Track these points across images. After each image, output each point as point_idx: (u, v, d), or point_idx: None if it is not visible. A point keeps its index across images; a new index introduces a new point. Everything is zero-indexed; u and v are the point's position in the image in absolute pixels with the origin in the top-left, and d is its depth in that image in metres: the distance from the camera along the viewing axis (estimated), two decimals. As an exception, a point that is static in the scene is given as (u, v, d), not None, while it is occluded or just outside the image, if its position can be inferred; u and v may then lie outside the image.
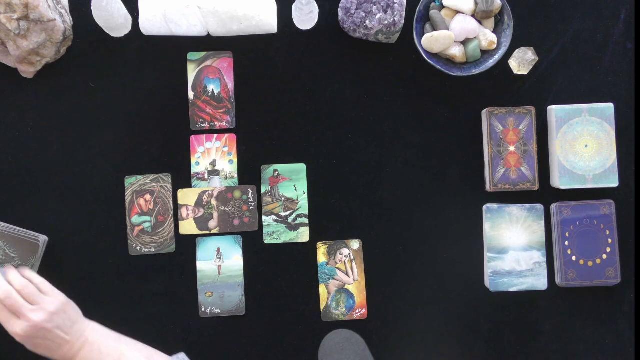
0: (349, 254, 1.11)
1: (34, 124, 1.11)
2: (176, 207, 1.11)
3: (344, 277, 1.11)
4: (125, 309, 1.10)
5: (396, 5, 1.07)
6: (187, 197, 1.11)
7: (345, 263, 1.11)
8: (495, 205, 1.10)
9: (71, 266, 1.10)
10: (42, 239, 1.07)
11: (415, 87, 1.13)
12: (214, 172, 1.12)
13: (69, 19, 1.10)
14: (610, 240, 1.09)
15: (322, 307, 1.11)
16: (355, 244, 1.11)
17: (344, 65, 1.13)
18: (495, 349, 1.11)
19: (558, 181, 1.09)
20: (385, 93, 1.13)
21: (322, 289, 1.11)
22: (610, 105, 1.09)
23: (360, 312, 1.11)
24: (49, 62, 1.09)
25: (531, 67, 1.11)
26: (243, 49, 1.12)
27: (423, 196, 1.12)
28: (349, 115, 1.12)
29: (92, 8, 1.05)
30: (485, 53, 1.10)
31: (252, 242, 1.12)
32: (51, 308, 0.93)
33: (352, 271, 1.11)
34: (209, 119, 1.12)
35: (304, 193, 1.12)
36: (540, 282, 1.09)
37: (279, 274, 1.11)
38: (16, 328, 0.92)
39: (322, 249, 1.11)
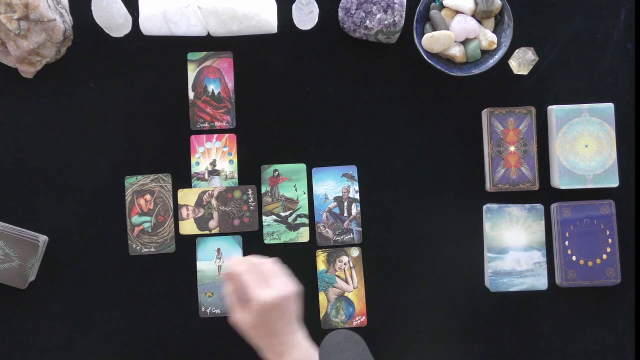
0: (348, 261, 1.11)
1: (34, 124, 1.11)
2: (176, 207, 1.11)
3: (343, 284, 1.11)
4: (125, 309, 1.10)
5: (396, 5, 1.07)
6: (187, 197, 1.11)
7: (344, 270, 1.11)
8: (495, 205, 1.10)
9: (71, 266, 1.10)
10: (42, 239, 1.07)
11: (415, 87, 1.13)
12: (214, 172, 1.12)
13: (69, 19, 1.10)
14: (610, 240, 1.09)
15: (321, 315, 1.11)
16: (355, 252, 1.11)
17: (344, 65, 1.13)
18: (495, 349, 1.11)
19: (558, 181, 1.09)
20: (385, 93, 1.13)
21: (322, 296, 1.11)
22: (610, 105, 1.09)
23: (360, 320, 1.11)
24: (49, 62, 1.09)
25: (531, 67, 1.11)
26: (243, 49, 1.12)
27: (423, 196, 1.12)
28: (349, 115, 1.12)
29: (92, 8, 1.05)
30: (485, 53, 1.10)
31: (252, 242, 1.12)
32: (295, 287, 0.91)
33: (352, 279, 1.11)
34: (209, 119, 1.12)
35: (304, 193, 1.12)
36: (540, 282, 1.09)
37: (279, 274, 1.11)
38: (265, 293, 0.87)
39: (321, 257, 1.11)
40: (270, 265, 0.91)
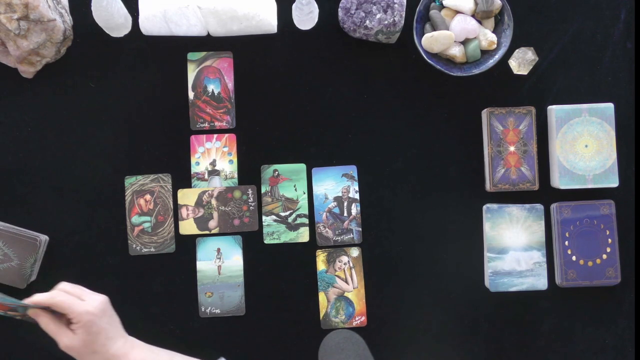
0: (348, 261, 1.11)
1: (34, 124, 1.11)
2: (176, 207, 1.11)
3: (343, 284, 1.11)
4: (125, 309, 1.10)
5: (396, 5, 1.07)
6: (187, 197, 1.11)
7: (344, 270, 1.11)
8: (495, 205, 1.10)
9: (71, 266, 1.10)
10: (43, 238, 1.07)
11: (415, 87, 1.13)
12: (214, 172, 1.12)
13: (69, 19, 1.10)
14: (610, 240, 1.09)
15: (321, 315, 1.11)
16: (355, 252, 1.11)
17: (344, 65, 1.13)
18: (495, 349, 1.11)
19: (558, 181, 1.09)
20: (385, 93, 1.13)
21: (322, 296, 1.11)
22: (610, 105, 1.09)
23: (360, 320, 1.11)
24: (49, 62, 1.09)
25: (531, 67, 1.11)
26: (243, 49, 1.12)
27: (423, 196, 1.12)
28: (349, 115, 1.12)
29: (92, 8, 1.05)
30: (485, 53, 1.10)
31: (252, 242, 1.12)
32: (104, 298, 0.90)
33: (352, 279, 1.11)
34: (209, 119, 1.12)
35: (304, 193, 1.12)
36: (540, 282, 1.09)
37: (279, 274, 1.11)
38: (86, 307, 0.86)
39: (321, 257, 1.11)
40: (69, 287, 0.90)
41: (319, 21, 1.12)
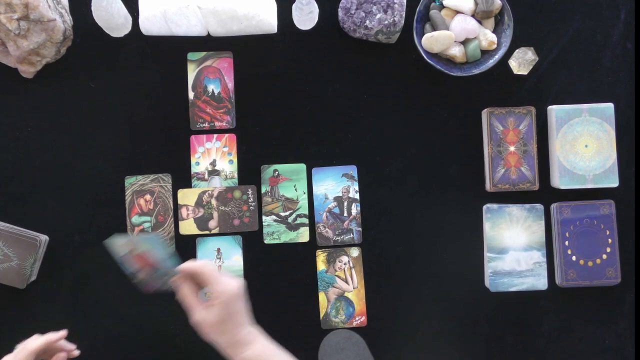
0: (348, 261, 1.11)
1: (34, 124, 1.11)
2: (176, 207, 1.11)
3: (343, 284, 1.11)
4: (125, 309, 1.10)
5: (396, 5, 1.07)
6: (187, 197, 1.11)
7: (344, 270, 1.11)
8: (495, 205, 1.10)
9: (71, 266, 1.10)
10: (43, 238, 1.07)
11: (415, 87, 1.13)
12: (214, 172, 1.12)
13: (69, 19, 1.10)
14: (610, 240, 1.09)
15: (321, 315, 1.11)
16: (355, 252, 1.11)
17: (344, 65, 1.13)
18: (495, 349, 1.11)
19: (558, 181, 1.09)
20: (385, 93, 1.13)
21: (322, 296, 1.11)
22: (610, 105, 1.09)
23: (360, 320, 1.11)
24: (49, 62, 1.09)
25: (531, 67, 1.11)
26: (243, 49, 1.12)
27: (423, 196, 1.12)
28: (349, 115, 1.12)
29: (92, 8, 1.05)
30: (485, 53, 1.10)
31: (252, 242, 1.12)
32: (243, 282, 0.89)
33: (352, 279, 1.11)
34: (209, 119, 1.12)
35: (304, 193, 1.12)
36: (540, 282, 1.09)
37: (279, 274, 1.11)
38: (230, 285, 0.85)
39: (321, 257, 1.11)
40: (212, 264, 0.90)
41: (319, 21, 1.13)
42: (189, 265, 0.87)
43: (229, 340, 0.86)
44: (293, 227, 1.12)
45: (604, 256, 1.09)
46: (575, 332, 1.11)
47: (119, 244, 0.87)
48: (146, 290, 0.91)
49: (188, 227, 1.11)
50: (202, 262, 0.87)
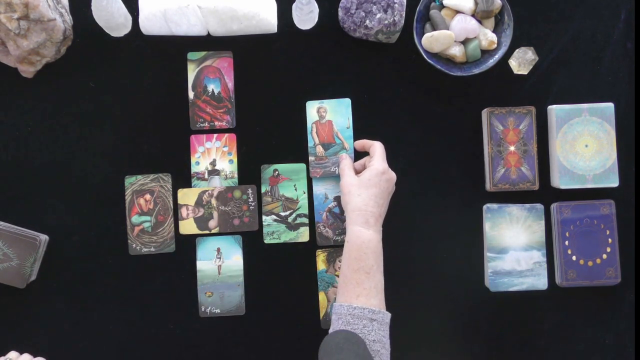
0: None
1: (34, 124, 1.11)
2: (176, 207, 1.11)
3: None
4: (125, 309, 1.10)
5: (396, 5, 1.07)
6: (187, 196, 1.11)
7: None
8: (495, 205, 1.10)
9: (71, 266, 1.10)
10: (43, 238, 1.07)
11: (415, 87, 1.13)
12: (214, 172, 1.12)
13: (69, 18, 1.10)
14: (610, 240, 1.09)
15: (321, 315, 1.11)
16: None
17: (344, 65, 1.13)
18: (495, 349, 1.11)
19: (558, 181, 1.09)
20: (385, 93, 1.13)
21: (322, 296, 1.11)
22: (610, 105, 1.09)
23: (360, 315, 1.11)
24: (49, 62, 1.09)
25: (531, 67, 1.11)
26: (243, 48, 1.12)
27: (423, 196, 1.12)
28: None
29: (92, 8, 1.05)
30: (485, 53, 1.10)
31: (252, 242, 1.11)
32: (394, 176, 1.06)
33: None
34: (209, 119, 1.12)
35: (304, 193, 1.12)
36: (540, 282, 1.09)
37: (279, 274, 1.11)
38: (382, 165, 1.04)
39: (321, 257, 1.11)
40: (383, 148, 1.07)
41: (319, 21, 1.13)
42: (361, 141, 1.09)
43: (353, 207, 1.00)
44: (293, 227, 1.11)
45: (604, 256, 1.08)
46: (575, 332, 1.11)
47: None
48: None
49: (188, 226, 1.11)
50: (372, 142, 1.07)
